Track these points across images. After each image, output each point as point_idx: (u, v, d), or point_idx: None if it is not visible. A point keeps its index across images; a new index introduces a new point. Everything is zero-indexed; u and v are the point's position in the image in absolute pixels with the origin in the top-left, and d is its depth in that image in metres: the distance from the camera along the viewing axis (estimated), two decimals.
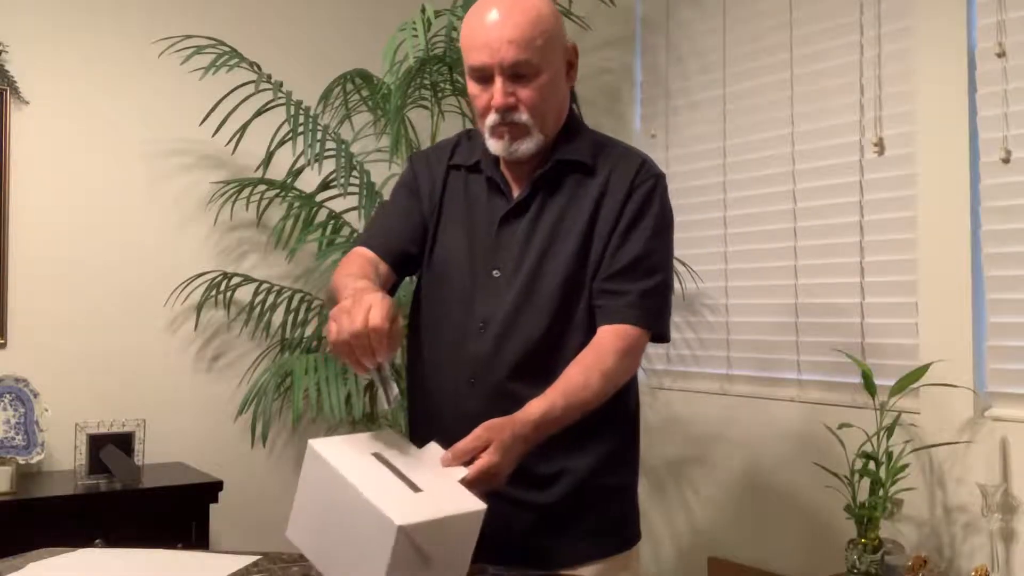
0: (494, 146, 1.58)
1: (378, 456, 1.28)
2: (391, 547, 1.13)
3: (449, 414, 1.58)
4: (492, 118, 1.55)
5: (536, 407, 1.43)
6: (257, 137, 2.98)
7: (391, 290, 1.67)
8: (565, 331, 1.58)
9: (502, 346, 1.57)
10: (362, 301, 1.31)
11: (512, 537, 1.54)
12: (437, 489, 1.24)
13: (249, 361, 3.19)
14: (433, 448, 1.35)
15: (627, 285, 1.57)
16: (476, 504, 1.24)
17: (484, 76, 1.54)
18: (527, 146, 1.57)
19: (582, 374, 1.50)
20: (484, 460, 1.32)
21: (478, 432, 1.35)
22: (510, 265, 1.60)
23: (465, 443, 1.34)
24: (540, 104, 1.55)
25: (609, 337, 1.55)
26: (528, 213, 1.61)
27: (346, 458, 1.25)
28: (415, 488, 1.23)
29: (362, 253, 1.65)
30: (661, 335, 1.62)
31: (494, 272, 1.61)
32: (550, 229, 1.60)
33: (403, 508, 1.16)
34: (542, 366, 1.54)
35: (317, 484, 1.24)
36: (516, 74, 1.52)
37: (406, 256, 1.68)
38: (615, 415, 1.62)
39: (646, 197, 1.60)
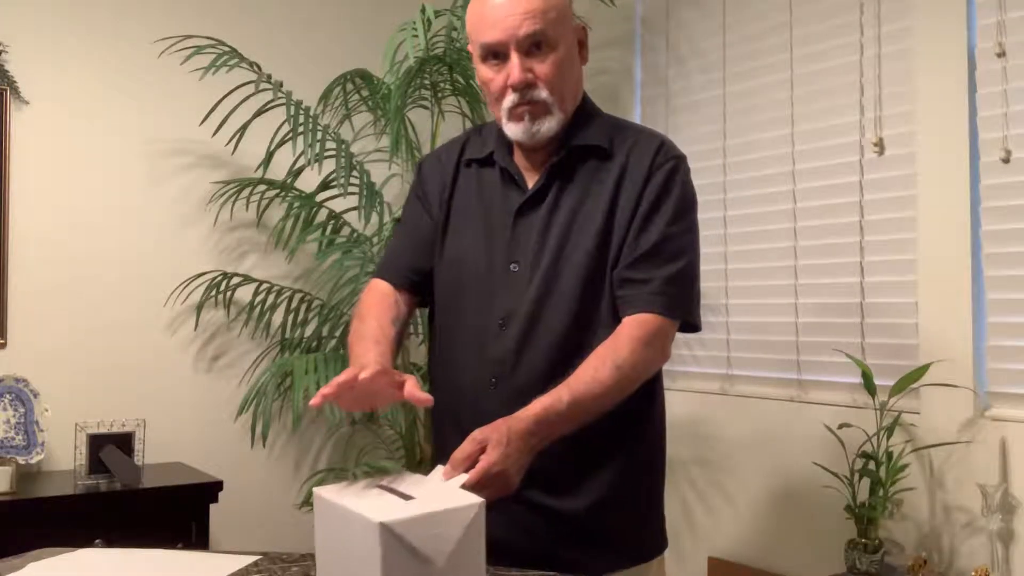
0: (513, 130, 1.54)
1: (375, 485, 1.25)
2: (380, 549, 1.12)
3: (469, 417, 1.46)
4: (510, 99, 1.51)
5: (538, 403, 1.38)
6: (257, 137, 2.98)
7: (421, 303, 1.69)
8: (590, 325, 1.51)
9: (525, 344, 1.52)
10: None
11: (534, 545, 1.49)
12: (430, 495, 1.21)
13: (249, 361, 3.19)
14: (438, 471, 1.31)
15: (650, 272, 1.50)
16: (471, 499, 1.19)
17: (498, 54, 1.51)
18: (549, 125, 1.52)
19: (592, 367, 1.42)
20: (484, 461, 1.28)
21: (473, 435, 1.31)
22: (528, 258, 1.54)
23: (461, 450, 1.30)
24: (558, 80, 1.51)
25: (628, 327, 1.47)
26: (545, 203, 1.55)
27: (343, 492, 1.24)
28: (407, 498, 1.19)
29: (378, 289, 1.65)
30: (692, 323, 1.55)
31: (512, 266, 1.55)
32: (568, 218, 1.54)
33: (387, 511, 1.14)
34: (566, 364, 1.46)
35: (321, 523, 1.23)
36: (532, 48, 1.49)
37: (422, 273, 1.66)
38: (641, 421, 1.57)
39: (666, 179, 1.53)
